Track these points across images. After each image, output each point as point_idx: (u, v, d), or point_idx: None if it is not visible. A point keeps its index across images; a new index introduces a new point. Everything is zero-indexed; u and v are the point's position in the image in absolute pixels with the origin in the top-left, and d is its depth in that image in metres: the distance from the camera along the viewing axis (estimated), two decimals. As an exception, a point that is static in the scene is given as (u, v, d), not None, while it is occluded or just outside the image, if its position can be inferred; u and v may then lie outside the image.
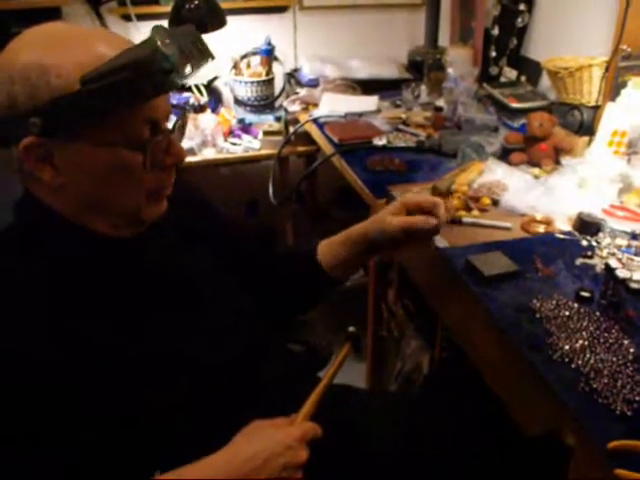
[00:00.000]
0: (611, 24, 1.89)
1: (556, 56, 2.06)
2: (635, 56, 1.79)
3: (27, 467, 0.85)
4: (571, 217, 1.50)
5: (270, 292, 1.29)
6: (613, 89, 1.82)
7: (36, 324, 0.86)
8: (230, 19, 2.37)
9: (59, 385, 0.85)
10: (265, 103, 2.85)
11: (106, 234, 0.96)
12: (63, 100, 0.83)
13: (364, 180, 1.87)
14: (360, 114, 2.39)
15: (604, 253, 1.37)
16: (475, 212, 1.56)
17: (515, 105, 2.20)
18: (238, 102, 2.86)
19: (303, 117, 2.55)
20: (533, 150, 1.84)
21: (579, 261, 1.35)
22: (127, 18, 2.73)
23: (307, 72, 2.82)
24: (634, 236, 1.43)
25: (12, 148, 0.87)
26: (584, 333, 1.11)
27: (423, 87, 2.54)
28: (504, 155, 1.89)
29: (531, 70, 2.39)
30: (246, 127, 2.73)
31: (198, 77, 2.74)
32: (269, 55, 2.84)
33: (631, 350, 1.07)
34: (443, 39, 2.95)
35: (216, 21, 2.32)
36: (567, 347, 1.08)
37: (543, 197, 1.57)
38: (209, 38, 1.09)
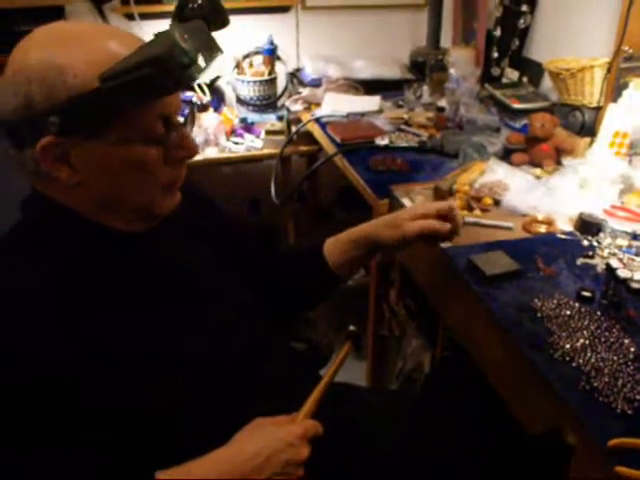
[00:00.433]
0: (613, 25, 1.89)
1: (558, 57, 2.06)
2: (637, 57, 1.79)
3: (30, 465, 0.85)
4: (572, 217, 1.51)
5: (274, 289, 1.30)
6: (615, 90, 1.83)
7: (44, 321, 0.86)
8: (233, 18, 2.36)
9: (65, 382, 0.85)
10: (267, 102, 2.86)
11: (119, 230, 0.97)
12: (81, 98, 0.83)
13: (366, 180, 1.87)
14: (362, 114, 2.40)
15: (605, 253, 1.38)
16: (477, 212, 1.57)
17: (517, 106, 2.20)
18: (240, 101, 2.86)
19: (305, 117, 2.56)
20: (535, 150, 1.85)
21: (580, 261, 1.36)
22: (130, 17, 2.74)
23: (309, 72, 2.83)
24: (635, 236, 1.44)
25: (25, 151, 0.88)
26: (585, 332, 1.12)
27: (425, 87, 2.55)
28: (506, 155, 1.90)
29: (533, 71, 2.40)
30: (248, 126, 2.74)
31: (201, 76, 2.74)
32: (272, 55, 2.85)
33: (632, 349, 1.07)
34: (445, 40, 2.96)
35: (219, 20, 2.32)
36: (568, 346, 1.08)
37: (544, 197, 1.57)
38: (212, 37, 1.10)
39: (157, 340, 0.97)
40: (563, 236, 1.47)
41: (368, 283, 2.11)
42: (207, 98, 2.76)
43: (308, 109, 2.61)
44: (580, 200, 1.55)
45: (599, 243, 1.42)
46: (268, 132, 2.69)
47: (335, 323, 1.46)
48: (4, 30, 2.57)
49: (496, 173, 1.71)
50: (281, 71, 2.93)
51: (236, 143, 2.61)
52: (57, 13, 2.66)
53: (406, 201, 1.64)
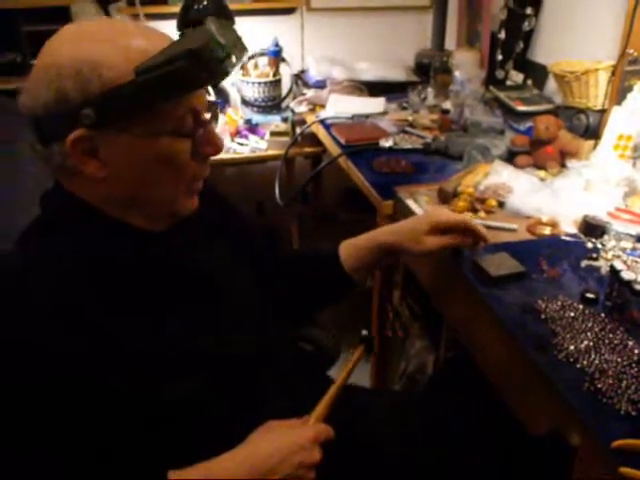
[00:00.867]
0: (618, 28, 1.90)
1: (562, 60, 2.06)
2: (641, 60, 1.80)
3: (43, 465, 0.86)
4: (576, 220, 1.51)
5: (287, 290, 1.30)
6: (619, 93, 1.83)
7: (61, 319, 0.86)
8: (238, 20, 2.35)
9: (81, 381, 0.85)
10: (272, 104, 2.86)
11: (140, 228, 0.97)
12: (116, 91, 0.84)
13: (371, 181, 1.88)
14: (367, 116, 2.40)
15: (609, 255, 1.38)
16: (481, 214, 1.57)
17: (521, 108, 2.20)
18: (245, 102, 2.87)
19: (310, 118, 2.56)
20: (539, 153, 1.85)
21: (584, 263, 1.36)
22: (135, 18, 2.75)
23: (314, 73, 2.84)
24: (639, 239, 1.44)
25: (53, 145, 0.88)
26: (589, 334, 1.12)
27: (430, 90, 2.55)
28: (510, 158, 1.90)
29: (537, 73, 2.40)
30: (253, 127, 2.74)
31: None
32: (277, 56, 2.85)
33: (636, 351, 1.07)
34: (450, 42, 2.97)
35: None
36: (572, 347, 1.09)
37: (548, 199, 1.58)
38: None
39: (174, 338, 0.97)
40: (567, 238, 1.47)
41: (371, 284, 2.11)
42: (212, 99, 2.76)
43: (313, 110, 2.62)
44: (584, 202, 1.55)
45: (603, 245, 1.43)
46: (273, 133, 2.69)
47: (339, 324, 1.47)
48: (9, 30, 2.59)
49: (500, 175, 1.71)
50: (286, 72, 2.94)
51: (240, 144, 2.61)
52: (62, 13, 2.67)
53: (410, 202, 1.64)
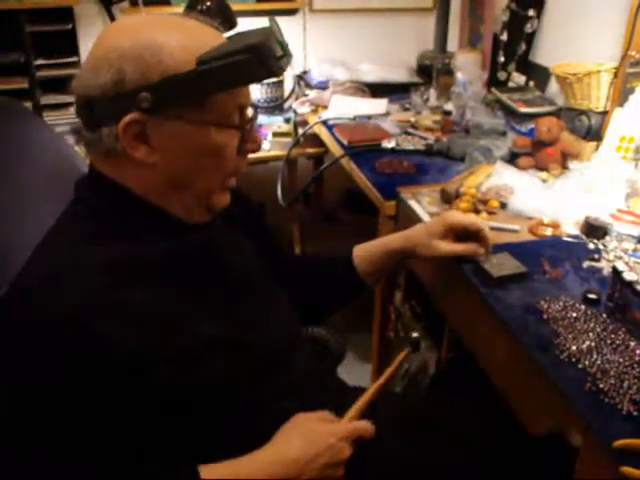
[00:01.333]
0: (620, 30, 1.90)
1: (565, 62, 2.07)
2: (644, 63, 1.80)
3: (80, 459, 0.87)
4: (578, 221, 1.52)
5: (300, 291, 1.31)
6: (621, 95, 1.83)
7: (104, 300, 0.87)
8: (241, 20, 2.39)
9: (121, 363, 0.87)
10: (275, 105, 2.86)
11: (179, 217, 0.99)
12: (175, 78, 0.87)
13: (373, 182, 1.88)
14: (369, 117, 2.41)
15: (611, 256, 1.38)
16: (483, 215, 1.57)
17: (523, 110, 2.20)
18: (248, 103, 2.87)
19: (312, 119, 2.57)
20: (541, 154, 1.86)
21: (586, 264, 1.36)
22: (138, 19, 2.75)
23: (317, 74, 2.85)
24: (640, 240, 1.44)
25: (102, 129, 0.90)
26: (591, 334, 1.12)
27: (432, 91, 2.56)
28: (512, 159, 1.90)
29: (539, 75, 2.40)
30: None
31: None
32: (279, 57, 2.85)
33: (637, 352, 1.08)
34: (452, 44, 2.97)
35: (227, 23, 2.34)
36: (574, 348, 1.09)
37: (550, 201, 1.58)
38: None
39: (205, 325, 0.98)
40: (569, 239, 1.48)
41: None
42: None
43: (315, 111, 2.62)
44: (586, 204, 1.56)
45: (605, 246, 1.43)
46: (275, 134, 2.70)
47: (342, 324, 1.47)
48: (13, 31, 2.59)
49: (502, 176, 1.72)
50: (288, 73, 2.94)
51: (243, 145, 2.61)
52: (66, 14, 2.68)
53: (413, 203, 1.65)
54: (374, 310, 2.11)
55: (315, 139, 2.59)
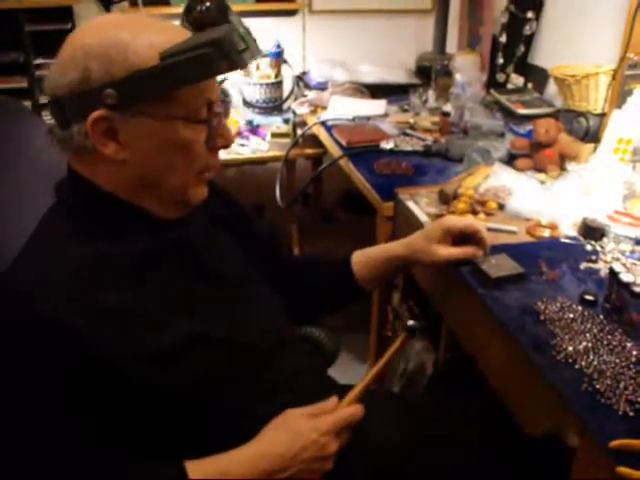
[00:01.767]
0: (618, 33, 1.91)
1: (563, 63, 2.07)
2: (641, 65, 1.81)
3: (63, 453, 0.88)
4: (576, 222, 1.52)
5: (296, 293, 1.32)
6: (619, 97, 1.84)
7: (84, 302, 0.88)
8: (241, 21, 2.39)
9: (105, 365, 0.88)
10: (274, 105, 2.87)
11: (154, 214, 1.00)
12: (140, 74, 0.88)
13: (371, 183, 1.89)
14: (368, 118, 2.41)
15: (608, 258, 1.39)
16: (481, 216, 1.58)
17: (521, 111, 2.21)
18: (247, 104, 2.87)
19: (311, 120, 2.57)
20: (539, 156, 1.86)
21: (583, 265, 1.37)
22: (138, 19, 2.75)
23: (316, 75, 2.85)
24: (638, 242, 1.44)
25: (72, 126, 0.91)
26: (588, 335, 1.13)
27: (431, 92, 2.56)
28: (510, 160, 1.91)
29: (538, 77, 2.41)
30: (254, 129, 2.75)
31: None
32: (278, 58, 2.86)
33: (634, 352, 1.08)
34: (451, 45, 2.98)
35: (226, 23, 2.34)
36: (571, 348, 1.09)
37: (548, 202, 1.58)
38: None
39: (189, 323, 0.99)
40: (567, 240, 1.48)
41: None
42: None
43: (314, 112, 2.62)
44: (584, 205, 1.56)
45: (602, 248, 1.43)
46: (274, 135, 2.70)
47: (339, 324, 1.47)
48: (13, 30, 2.60)
49: (500, 178, 1.72)
50: (287, 74, 2.94)
51: (242, 145, 2.62)
52: (65, 14, 2.68)
53: (411, 204, 1.65)
54: (372, 310, 2.12)
55: (314, 140, 2.59)
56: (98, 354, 0.87)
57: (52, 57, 0.94)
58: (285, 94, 2.93)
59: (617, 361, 1.06)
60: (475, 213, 1.59)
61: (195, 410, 0.97)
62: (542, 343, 1.12)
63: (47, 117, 2.63)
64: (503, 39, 2.57)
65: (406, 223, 1.65)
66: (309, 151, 2.71)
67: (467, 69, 2.63)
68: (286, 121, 2.78)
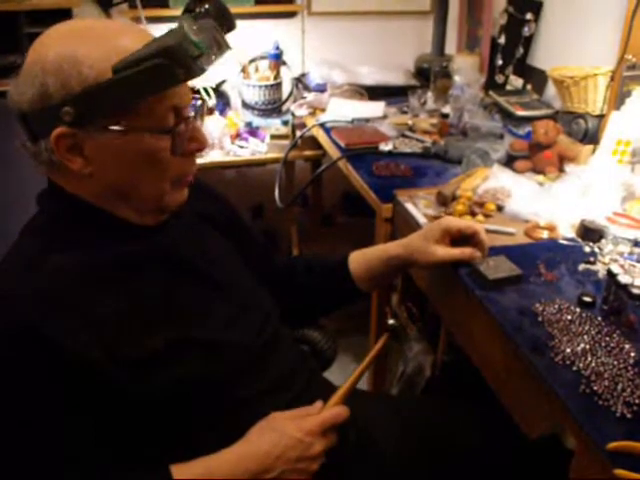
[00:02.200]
0: (617, 34, 1.91)
1: (562, 65, 2.07)
2: (640, 66, 1.81)
3: (50, 456, 0.88)
4: (574, 224, 1.52)
5: (292, 294, 1.32)
6: (618, 98, 1.84)
7: (64, 310, 0.88)
8: (239, 23, 2.36)
9: (84, 369, 0.87)
10: (273, 107, 2.87)
11: (131, 221, 0.99)
12: (95, 89, 0.86)
13: (370, 185, 1.89)
14: (367, 120, 2.41)
15: (606, 259, 1.38)
16: (479, 217, 1.57)
17: (520, 113, 2.21)
18: (246, 105, 2.88)
19: (310, 121, 2.57)
20: (538, 157, 1.86)
21: (582, 267, 1.36)
22: (137, 20, 2.75)
23: (315, 77, 2.85)
24: (636, 243, 1.44)
25: (40, 141, 0.90)
26: (586, 337, 1.13)
27: (429, 94, 2.56)
28: (509, 162, 1.90)
29: (537, 78, 2.41)
30: (253, 130, 2.75)
31: (206, 80, 2.76)
32: (277, 59, 2.86)
33: (632, 354, 1.08)
34: (450, 47, 2.98)
35: (225, 25, 2.32)
36: (569, 350, 1.09)
37: (547, 204, 1.58)
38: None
39: (172, 327, 0.99)
40: (565, 242, 1.48)
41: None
42: (212, 102, 2.77)
43: (313, 114, 2.62)
44: (582, 207, 1.56)
45: (601, 249, 1.43)
46: (273, 136, 2.71)
47: (337, 326, 1.47)
48: (11, 32, 2.59)
49: (499, 179, 1.72)
50: (286, 76, 2.95)
51: (241, 147, 2.62)
52: (64, 16, 2.68)
53: (409, 206, 1.65)
54: (370, 312, 2.11)
55: (313, 142, 2.59)
56: (81, 360, 0.87)
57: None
58: (284, 96, 2.93)
59: (615, 363, 1.06)
60: (473, 215, 1.59)
61: (183, 413, 0.97)
62: (540, 345, 1.11)
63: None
64: (502, 41, 2.57)
65: (405, 225, 1.65)
66: (308, 153, 2.71)
67: (466, 71, 2.63)
68: (285, 123, 2.78)
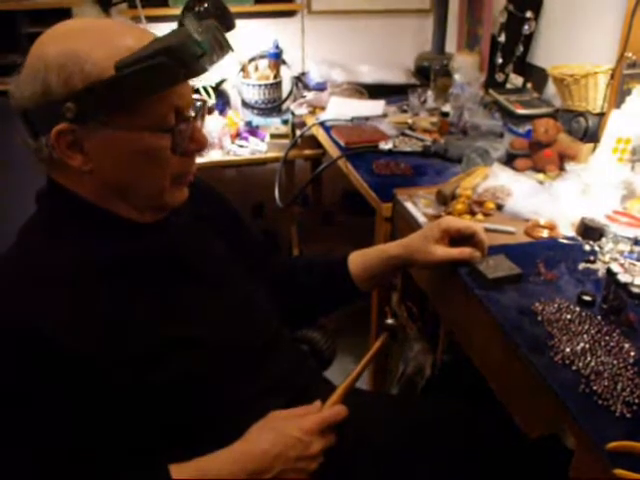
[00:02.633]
0: (616, 32, 1.90)
1: (562, 63, 2.07)
2: (640, 64, 1.80)
3: (46, 454, 0.88)
4: (574, 222, 1.51)
5: (292, 294, 1.32)
6: (618, 96, 1.83)
7: (63, 308, 0.89)
8: (239, 22, 2.37)
9: (84, 368, 0.88)
10: (272, 106, 2.86)
11: (130, 219, 0.99)
12: (97, 86, 0.87)
13: (370, 184, 1.88)
14: (367, 118, 2.40)
15: (606, 258, 1.38)
16: (479, 216, 1.57)
17: (520, 111, 2.20)
18: (246, 105, 2.87)
19: (310, 120, 2.57)
20: (538, 156, 1.86)
21: (581, 266, 1.36)
22: (137, 20, 2.75)
23: (315, 76, 2.84)
24: (636, 242, 1.44)
25: (41, 138, 0.91)
26: (585, 336, 1.12)
27: (430, 93, 2.55)
28: (509, 161, 1.90)
29: (537, 77, 2.40)
30: (253, 130, 2.75)
31: (206, 79, 2.76)
32: (277, 58, 2.86)
33: (631, 353, 1.08)
34: (450, 45, 2.97)
35: (225, 24, 2.32)
36: (568, 350, 1.09)
37: (547, 202, 1.58)
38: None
39: (170, 325, 0.99)
40: (565, 241, 1.47)
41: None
42: (212, 101, 2.77)
43: (313, 113, 2.62)
44: (582, 205, 1.56)
45: (601, 248, 1.42)
46: (273, 136, 2.70)
47: (337, 326, 1.47)
48: (11, 32, 2.59)
49: (499, 178, 1.72)
50: (286, 75, 2.94)
51: (241, 146, 2.62)
52: (64, 16, 2.67)
53: (409, 205, 1.64)
54: (370, 312, 2.11)
55: (313, 141, 2.59)
56: (79, 359, 0.87)
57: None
58: (284, 95, 2.93)
59: (615, 362, 1.06)
60: (473, 214, 1.58)
61: (183, 413, 0.97)
62: (539, 344, 1.11)
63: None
64: (502, 39, 2.57)
65: (404, 224, 1.65)
66: (308, 152, 2.71)
67: (466, 69, 2.62)
68: (285, 122, 2.78)
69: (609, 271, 1.19)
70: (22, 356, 0.86)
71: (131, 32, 0.94)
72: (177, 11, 2.46)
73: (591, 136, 1.88)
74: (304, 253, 3.03)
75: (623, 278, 1.15)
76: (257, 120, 2.81)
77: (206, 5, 2.33)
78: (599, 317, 1.18)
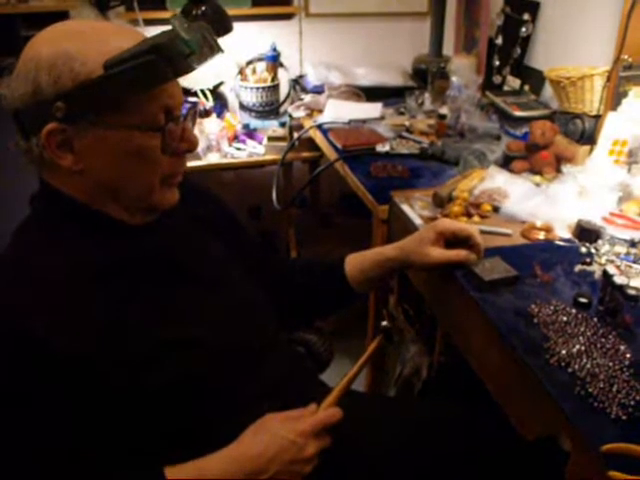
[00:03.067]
0: (613, 34, 1.90)
1: (559, 65, 2.07)
2: (636, 66, 1.80)
3: (43, 455, 0.88)
4: (571, 224, 1.51)
5: (289, 295, 1.32)
6: (614, 99, 1.83)
7: (57, 309, 0.89)
8: (236, 25, 2.36)
9: (79, 370, 0.88)
10: (270, 109, 2.86)
11: (121, 220, 0.99)
12: (87, 85, 0.87)
13: (367, 186, 1.88)
14: (364, 121, 2.41)
15: (603, 260, 1.38)
16: (475, 218, 1.57)
17: (518, 113, 2.21)
18: (243, 107, 2.87)
19: (307, 123, 2.57)
20: (535, 158, 1.86)
21: (578, 268, 1.36)
22: (134, 23, 2.75)
23: (312, 78, 2.84)
24: (633, 244, 1.44)
25: (32, 139, 0.91)
26: (581, 338, 1.12)
27: (427, 95, 2.56)
28: (506, 163, 1.90)
29: (534, 79, 2.41)
30: (251, 132, 2.75)
31: (204, 82, 2.76)
32: (275, 61, 2.86)
33: (627, 356, 1.08)
34: (447, 48, 2.98)
35: (222, 27, 2.33)
36: (564, 352, 1.09)
37: (543, 204, 1.58)
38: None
39: (168, 326, 0.99)
40: (561, 243, 1.47)
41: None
42: (210, 104, 2.77)
43: (310, 115, 2.62)
44: (579, 207, 1.56)
45: (597, 250, 1.43)
46: (270, 138, 2.70)
47: (334, 328, 1.47)
48: (8, 35, 2.59)
49: (496, 180, 1.72)
50: (284, 78, 2.94)
51: (238, 149, 2.62)
52: (61, 18, 2.67)
53: (406, 207, 1.65)
54: (367, 314, 2.11)
55: (310, 143, 2.59)
56: (73, 361, 0.87)
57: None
58: (281, 98, 2.93)
59: (610, 364, 1.06)
60: (469, 216, 1.58)
61: (181, 414, 0.97)
62: (535, 346, 1.11)
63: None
64: (499, 41, 2.57)
65: (401, 226, 1.65)
66: (305, 154, 2.71)
67: (463, 71, 2.62)
68: (282, 124, 2.78)
69: (605, 273, 1.19)
70: (16, 357, 0.86)
71: (122, 33, 0.94)
72: (175, 13, 2.46)
73: (588, 138, 1.89)
74: (302, 255, 3.03)
75: (619, 280, 1.15)
76: (255, 123, 2.80)
77: (204, 8, 2.33)
78: (595, 319, 1.18)
